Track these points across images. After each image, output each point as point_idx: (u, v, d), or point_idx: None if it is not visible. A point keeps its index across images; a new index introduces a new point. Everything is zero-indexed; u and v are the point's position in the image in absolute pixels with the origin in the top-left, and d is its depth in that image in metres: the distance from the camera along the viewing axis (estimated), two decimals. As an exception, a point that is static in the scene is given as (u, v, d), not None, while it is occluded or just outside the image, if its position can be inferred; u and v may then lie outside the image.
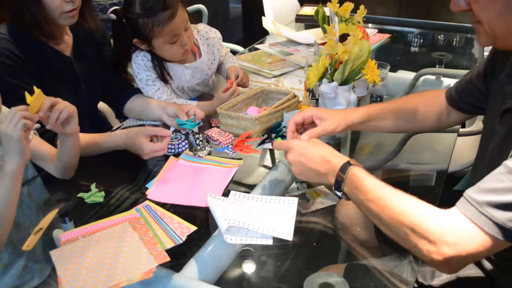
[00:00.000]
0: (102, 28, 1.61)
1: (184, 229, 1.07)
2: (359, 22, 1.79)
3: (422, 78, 2.05)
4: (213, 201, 1.12)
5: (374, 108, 1.29)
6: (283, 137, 1.38)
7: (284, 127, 1.38)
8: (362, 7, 1.74)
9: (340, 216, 1.18)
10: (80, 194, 1.19)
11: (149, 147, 1.26)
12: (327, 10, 1.78)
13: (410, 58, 2.42)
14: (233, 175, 1.26)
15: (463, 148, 1.83)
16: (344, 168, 1.00)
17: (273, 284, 0.98)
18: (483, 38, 0.95)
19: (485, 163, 1.08)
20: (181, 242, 1.02)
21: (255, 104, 1.55)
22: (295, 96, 1.48)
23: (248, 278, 1.01)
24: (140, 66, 1.54)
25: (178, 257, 1.01)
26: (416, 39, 2.57)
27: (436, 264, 0.85)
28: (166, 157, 1.35)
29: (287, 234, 1.04)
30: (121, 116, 1.63)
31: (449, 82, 2.05)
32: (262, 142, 1.37)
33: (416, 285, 1.16)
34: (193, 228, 1.07)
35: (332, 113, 1.24)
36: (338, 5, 1.71)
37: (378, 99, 1.84)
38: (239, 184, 1.27)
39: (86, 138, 1.32)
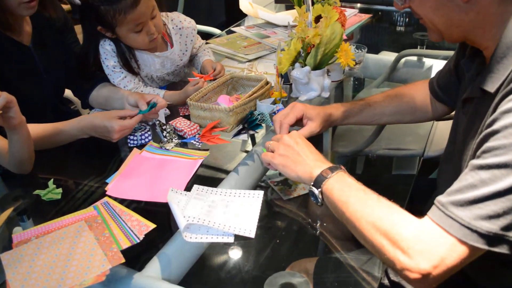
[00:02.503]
0: (64, 15, 1.54)
1: (143, 227, 1.02)
2: (335, 3, 1.73)
3: (403, 60, 2.00)
4: (173, 196, 1.07)
5: (358, 105, 1.30)
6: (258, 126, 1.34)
7: (259, 114, 1.32)
8: (338, -12, 1.67)
9: (318, 207, 1.15)
10: (37, 191, 1.14)
11: (118, 123, 1.22)
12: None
13: (393, 38, 2.36)
14: (198, 167, 1.21)
15: (445, 132, 1.78)
16: (334, 168, 0.97)
17: (241, 281, 0.94)
18: (431, 33, 0.98)
19: (454, 156, 1.06)
20: (138, 241, 0.98)
21: (225, 92, 1.49)
22: (267, 82, 1.42)
23: (215, 277, 0.97)
24: (107, 52, 1.47)
25: (140, 255, 0.97)
26: (401, 19, 2.51)
27: (410, 280, 0.81)
28: (129, 150, 1.29)
29: (250, 231, 0.99)
30: (87, 106, 1.57)
31: (431, 63, 2.00)
32: (238, 133, 1.31)
33: (387, 281, 1.13)
34: (152, 226, 1.02)
35: (319, 113, 1.22)
36: (313, -15, 1.64)
37: (356, 82, 1.79)
38: (208, 177, 1.22)
39: (48, 127, 1.26)
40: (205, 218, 1.01)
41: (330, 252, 1.02)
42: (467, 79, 1.00)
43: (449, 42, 0.98)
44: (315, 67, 1.47)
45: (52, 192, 1.14)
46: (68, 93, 1.65)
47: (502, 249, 0.75)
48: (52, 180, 1.16)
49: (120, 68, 1.48)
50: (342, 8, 2.04)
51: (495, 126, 0.76)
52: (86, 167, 1.27)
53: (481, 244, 0.75)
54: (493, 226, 0.74)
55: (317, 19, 1.60)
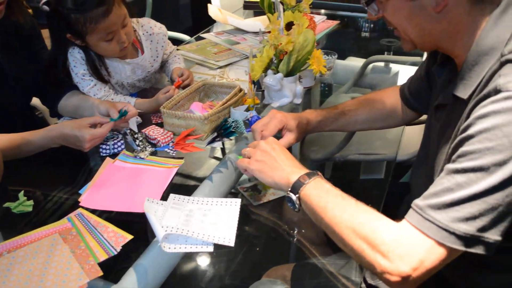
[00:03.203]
0: (32, 21, 1.50)
1: (120, 238, 1.00)
2: (305, 10, 1.75)
3: (371, 66, 2.04)
4: (150, 206, 1.05)
5: (333, 114, 1.32)
6: (232, 133, 1.33)
7: (233, 121, 1.32)
8: (308, -6, 1.69)
9: (290, 212, 1.15)
10: (7, 204, 1.10)
11: (89, 132, 1.19)
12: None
13: (359, 44, 2.40)
14: (173, 176, 1.20)
15: (412, 136, 1.82)
16: (311, 174, 0.98)
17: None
18: (404, 43, 1.00)
19: (427, 161, 1.08)
20: (116, 253, 0.96)
21: (197, 99, 1.48)
22: (241, 90, 1.42)
23: (192, 287, 0.95)
24: (76, 60, 1.44)
25: (116, 267, 0.95)
26: (366, 25, 2.55)
27: (390, 283, 0.82)
28: (102, 159, 1.27)
29: (229, 239, 0.99)
30: (56, 115, 1.53)
31: (398, 68, 2.04)
32: (212, 141, 1.30)
33: (363, 285, 1.15)
34: (129, 237, 1.00)
35: (298, 124, 1.23)
36: (283, -8, 1.66)
37: (327, 88, 1.81)
38: (185, 185, 1.21)
39: (16, 137, 1.22)
40: (183, 228, 1.00)
41: (306, 258, 1.02)
42: (439, 85, 1.03)
43: (422, 50, 1.00)
44: (288, 74, 1.49)
45: (23, 204, 1.10)
46: (34, 100, 1.61)
47: (479, 250, 0.77)
48: (22, 192, 1.13)
49: (89, 76, 1.45)
50: (311, 15, 2.06)
51: (470, 131, 0.79)
52: (57, 178, 1.24)
53: (458, 246, 0.77)
54: (470, 228, 0.76)
55: (288, 26, 1.62)
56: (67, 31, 1.37)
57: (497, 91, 0.77)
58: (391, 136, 1.50)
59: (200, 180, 1.22)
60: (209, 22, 2.42)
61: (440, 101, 1.00)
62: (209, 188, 1.19)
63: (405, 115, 1.34)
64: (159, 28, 1.58)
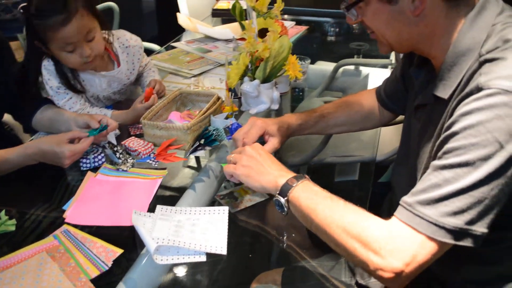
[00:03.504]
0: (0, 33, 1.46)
1: (110, 253, 0.99)
2: (276, 16, 1.77)
3: (341, 69, 2.07)
4: (138, 218, 1.05)
5: (313, 117, 1.33)
6: (214, 142, 1.34)
7: (214, 130, 1.32)
8: (279, 0, 1.71)
9: (270, 217, 1.17)
10: (-12, 224, 1.07)
11: (69, 148, 1.17)
12: (243, 3, 1.73)
13: (328, 49, 2.44)
14: (158, 187, 1.19)
15: (386, 137, 1.87)
16: (299, 177, 0.99)
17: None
18: (382, 46, 1.03)
19: (408, 159, 1.11)
20: (107, 268, 0.95)
21: (174, 108, 1.48)
22: (219, 98, 1.42)
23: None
24: (51, 72, 1.41)
25: (107, 283, 0.93)
26: (333, 29, 2.60)
27: (383, 279, 0.84)
28: (83, 174, 1.25)
29: (221, 248, 0.99)
30: (30, 130, 1.49)
31: (367, 71, 2.09)
32: (194, 150, 1.30)
33: (355, 286, 1.17)
34: (119, 251, 0.99)
35: (279, 129, 1.25)
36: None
37: (301, 94, 1.83)
38: (167, 196, 1.20)
39: None
40: (174, 239, 0.99)
41: (295, 261, 1.03)
42: (417, 86, 1.06)
43: (399, 52, 1.04)
44: (264, 80, 1.50)
45: (5, 224, 1.07)
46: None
47: (467, 243, 0.80)
48: (3, 211, 1.10)
49: (64, 89, 1.42)
50: (282, 21, 2.09)
51: (454, 128, 0.82)
52: (38, 195, 1.21)
53: (448, 239, 0.80)
54: (459, 222, 0.79)
55: (260, 32, 1.63)
56: (33, 37, 1.35)
57: (479, 89, 0.81)
58: (366, 138, 1.54)
59: (180, 190, 1.21)
60: (176, 30, 2.41)
61: (420, 102, 1.04)
62: (192, 198, 1.19)
63: (382, 116, 1.37)
64: (135, 40, 1.56)
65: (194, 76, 1.82)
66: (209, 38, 2.21)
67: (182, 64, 1.90)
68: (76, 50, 1.35)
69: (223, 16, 2.59)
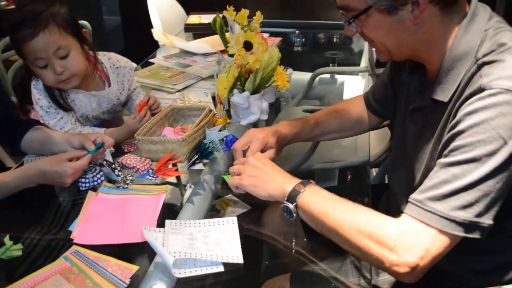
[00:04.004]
0: None
1: (125, 270, 0.98)
2: (256, 29, 1.80)
3: (318, 78, 2.13)
4: (149, 234, 1.04)
5: (308, 125, 1.37)
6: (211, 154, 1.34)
7: (210, 142, 1.33)
8: (258, 13, 1.74)
9: (266, 225, 1.19)
10: (-6, 251, 1.04)
11: (70, 166, 1.16)
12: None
13: (301, 59, 2.49)
14: (163, 202, 1.19)
15: (364, 142, 1.92)
16: (305, 182, 1.02)
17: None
18: (381, 54, 1.07)
19: (405, 161, 1.16)
20: (126, 286, 0.94)
21: (167, 124, 1.48)
22: (210, 110, 1.44)
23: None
24: (41, 92, 1.40)
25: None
26: (303, 40, 2.65)
27: (399, 274, 0.88)
28: (81, 193, 1.23)
29: (237, 257, 1.00)
30: (18, 153, 1.45)
31: (343, 79, 2.16)
32: (193, 163, 1.31)
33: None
34: (135, 267, 0.99)
35: (277, 139, 1.27)
36: (235, 13, 1.70)
37: (285, 103, 1.87)
38: (171, 210, 1.20)
39: None
40: (190, 251, 1.00)
41: (300, 265, 1.05)
42: (412, 90, 1.11)
43: (398, 60, 1.08)
44: (253, 92, 1.53)
45: (10, 249, 1.05)
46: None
47: (476, 235, 0.86)
48: (7, 236, 1.07)
49: (55, 109, 1.41)
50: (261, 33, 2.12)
51: (460, 127, 0.87)
52: (41, 217, 1.18)
53: (459, 232, 0.85)
54: (468, 215, 0.84)
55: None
56: (13, 48, 1.37)
57: (481, 89, 0.86)
58: (346, 143, 1.58)
59: (173, 204, 1.23)
60: (145, 47, 2.40)
61: (416, 105, 1.08)
62: (192, 211, 1.19)
63: (371, 122, 1.42)
64: (125, 62, 1.57)
65: (178, 91, 1.83)
66: (185, 53, 2.22)
67: (164, 80, 1.90)
68: (48, 66, 1.36)
69: (195, 30, 2.60)
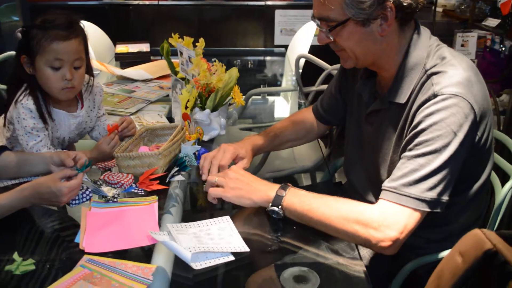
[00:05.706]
0: None
1: (145, 269, 1.07)
2: (199, 54, 1.96)
3: (251, 99, 2.33)
4: (158, 237, 1.14)
5: (271, 137, 1.55)
6: (187, 167, 1.46)
7: (186, 156, 1.45)
8: (201, 39, 1.89)
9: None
10: (7, 267, 1.06)
11: (66, 186, 1.20)
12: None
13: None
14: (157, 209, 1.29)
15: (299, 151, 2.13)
16: (284, 186, 1.20)
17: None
18: (348, 62, 1.25)
19: (363, 158, 1.38)
20: (151, 281, 1.03)
21: (142, 144, 1.57)
22: (182, 128, 1.56)
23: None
24: (26, 112, 1.42)
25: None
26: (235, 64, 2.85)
27: (383, 248, 1.09)
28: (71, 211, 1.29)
29: (243, 246, 1.14)
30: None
31: (273, 99, 2.38)
32: (172, 176, 1.41)
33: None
34: (153, 266, 1.07)
35: (247, 151, 1.43)
36: (181, 40, 1.84)
37: (231, 121, 2.03)
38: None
39: None
40: (203, 246, 1.11)
41: (281, 256, 1.14)
42: (367, 97, 1.33)
43: (361, 67, 1.28)
44: (213, 109, 1.68)
45: (22, 264, 1.08)
46: None
47: (438, 209, 1.10)
48: (16, 253, 1.10)
49: (37, 131, 1.43)
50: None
51: (422, 126, 1.11)
52: (42, 233, 1.22)
53: (428, 209, 1.09)
54: (434, 194, 1.09)
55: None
56: (24, 49, 1.41)
57: (435, 95, 1.11)
58: (284, 154, 1.79)
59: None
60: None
61: (373, 108, 1.31)
62: (171, 220, 1.28)
63: (319, 129, 1.64)
64: (97, 82, 1.62)
65: (132, 113, 1.91)
66: (126, 80, 2.30)
67: (113, 105, 1.97)
68: (61, 69, 1.42)
69: (125, 59, 2.69)
